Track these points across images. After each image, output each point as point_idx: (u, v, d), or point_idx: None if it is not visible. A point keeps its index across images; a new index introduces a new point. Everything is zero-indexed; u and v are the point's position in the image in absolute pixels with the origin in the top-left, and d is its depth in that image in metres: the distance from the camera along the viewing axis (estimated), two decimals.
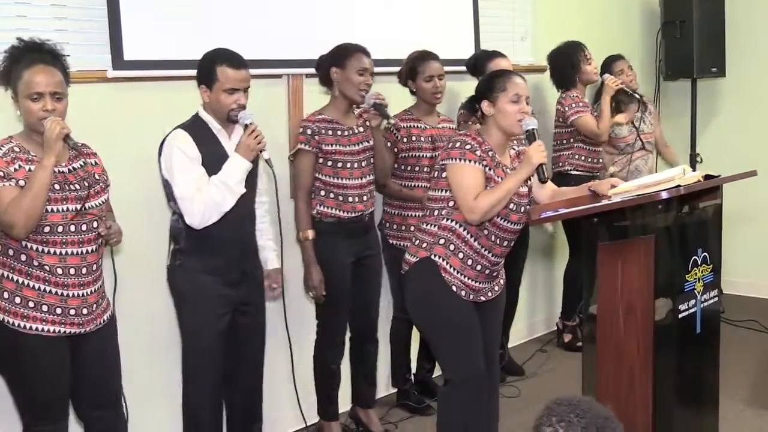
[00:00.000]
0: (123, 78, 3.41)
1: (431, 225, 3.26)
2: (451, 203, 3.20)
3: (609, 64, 5.36)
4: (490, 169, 3.16)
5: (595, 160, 5.12)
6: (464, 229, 3.20)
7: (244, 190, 3.24)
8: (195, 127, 3.25)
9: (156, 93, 3.54)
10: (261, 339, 3.50)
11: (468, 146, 3.15)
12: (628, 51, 5.54)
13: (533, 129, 3.18)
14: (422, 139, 4.15)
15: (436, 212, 3.25)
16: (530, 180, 3.26)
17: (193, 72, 3.31)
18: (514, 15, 5.34)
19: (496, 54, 4.45)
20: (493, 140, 3.23)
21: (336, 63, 3.75)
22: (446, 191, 3.21)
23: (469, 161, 3.14)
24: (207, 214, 3.18)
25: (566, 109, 5.00)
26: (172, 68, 3.54)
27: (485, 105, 3.22)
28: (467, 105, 3.40)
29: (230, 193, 3.20)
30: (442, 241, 3.22)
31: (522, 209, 3.25)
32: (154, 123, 3.39)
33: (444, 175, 3.20)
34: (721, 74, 6.04)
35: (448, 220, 3.22)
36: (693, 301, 3.24)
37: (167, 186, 3.26)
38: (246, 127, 3.24)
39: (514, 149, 3.36)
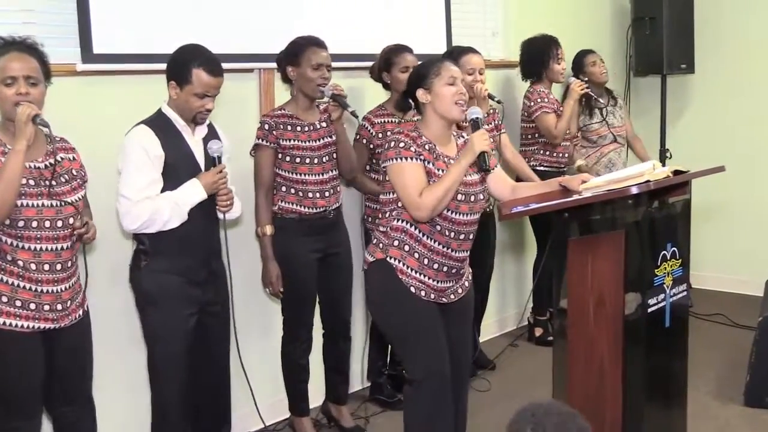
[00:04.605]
0: (92, 71, 3.38)
1: (385, 227, 3.22)
2: (399, 204, 3.15)
3: (581, 59, 5.39)
4: (429, 163, 3.10)
5: (561, 155, 5.08)
6: (416, 229, 3.15)
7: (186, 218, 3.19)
8: (159, 124, 3.19)
9: (126, 86, 3.51)
10: (227, 340, 3.46)
11: (402, 144, 3.09)
12: (598, 47, 5.59)
13: (477, 118, 3.17)
14: None
15: (387, 214, 3.21)
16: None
17: (164, 66, 3.23)
18: (485, 10, 5.36)
19: (467, 49, 4.46)
20: (433, 131, 3.17)
21: (290, 61, 3.71)
22: (393, 193, 3.16)
23: (406, 159, 3.07)
24: (148, 224, 3.12)
25: (531, 104, 5.00)
26: (142, 62, 3.52)
27: (420, 93, 3.15)
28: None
29: (178, 217, 3.15)
30: (396, 243, 3.17)
31: (472, 198, 3.18)
32: (124, 117, 3.33)
33: (387, 177, 3.16)
34: (690, 71, 6.10)
35: (398, 221, 3.17)
36: (662, 296, 3.27)
37: None
38: (216, 160, 3.22)
39: (463, 137, 3.30)
